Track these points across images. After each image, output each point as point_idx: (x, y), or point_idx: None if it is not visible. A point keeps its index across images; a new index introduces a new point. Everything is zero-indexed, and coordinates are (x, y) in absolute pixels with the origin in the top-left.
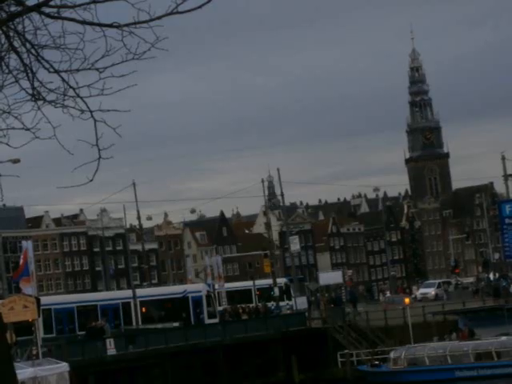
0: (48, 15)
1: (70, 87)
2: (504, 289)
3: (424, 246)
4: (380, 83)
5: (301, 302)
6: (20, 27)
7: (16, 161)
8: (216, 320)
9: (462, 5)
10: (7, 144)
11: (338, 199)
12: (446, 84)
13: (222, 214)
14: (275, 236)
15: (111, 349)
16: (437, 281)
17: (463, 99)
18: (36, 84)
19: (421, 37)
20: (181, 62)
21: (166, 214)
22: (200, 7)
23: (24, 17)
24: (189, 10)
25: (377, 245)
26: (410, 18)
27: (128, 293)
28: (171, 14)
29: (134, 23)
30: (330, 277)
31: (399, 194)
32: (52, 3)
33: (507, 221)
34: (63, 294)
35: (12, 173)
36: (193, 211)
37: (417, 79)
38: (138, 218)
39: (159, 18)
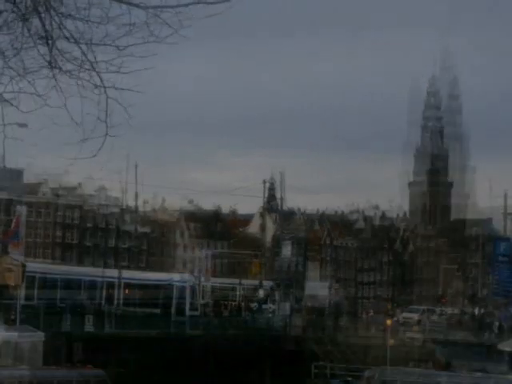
0: None
1: (88, 60)
2: (487, 325)
3: (414, 271)
4: (397, 102)
5: (284, 308)
6: None
7: (23, 125)
8: (197, 313)
9: (483, 37)
10: (16, 107)
11: (336, 212)
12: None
13: (219, 208)
14: (268, 239)
15: (89, 325)
16: (421, 307)
17: (477, 131)
18: (54, 52)
19: (442, 63)
20: (200, 52)
21: (163, 200)
22: (228, 0)
23: None
24: (215, 2)
25: (367, 262)
26: (434, 44)
27: (114, 272)
28: (198, 3)
29: (161, 6)
30: (316, 287)
31: (397, 215)
32: None
33: (500, 258)
34: (49, 264)
35: (18, 136)
36: (190, 201)
37: (432, 104)
38: (136, 199)
39: (186, 5)
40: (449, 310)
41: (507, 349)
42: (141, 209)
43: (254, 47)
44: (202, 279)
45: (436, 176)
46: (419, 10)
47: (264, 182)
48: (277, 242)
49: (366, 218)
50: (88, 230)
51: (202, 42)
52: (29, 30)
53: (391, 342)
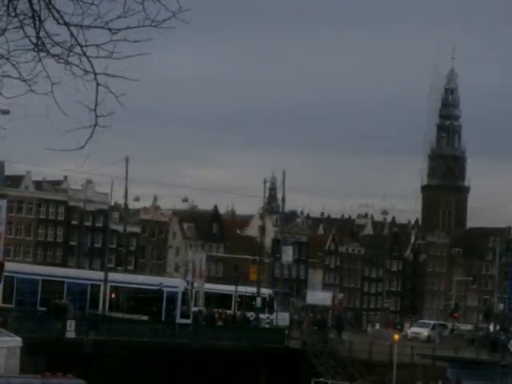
0: None
1: (78, 44)
2: (502, 343)
3: (425, 282)
4: (410, 99)
5: (282, 318)
6: None
7: (6, 112)
8: (188, 321)
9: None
10: None
11: (342, 216)
12: (480, 114)
13: (216, 208)
14: (268, 242)
15: (71, 331)
16: (432, 322)
17: (496, 134)
18: (42, 34)
19: (463, 59)
20: (200, 39)
21: (155, 198)
22: None
23: None
24: None
25: (375, 272)
26: (454, 39)
27: (99, 275)
28: None
29: None
30: (318, 297)
31: (409, 221)
32: None
33: None
34: (30, 264)
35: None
36: (185, 200)
37: (450, 102)
38: (125, 196)
39: None
40: (462, 326)
41: None
42: (131, 206)
43: (253, 42)
44: (195, 284)
45: (452, 179)
46: (419, 5)
47: (264, 181)
48: (277, 246)
49: (374, 224)
50: (73, 227)
51: (201, 32)
52: (15, 9)
53: (398, 358)
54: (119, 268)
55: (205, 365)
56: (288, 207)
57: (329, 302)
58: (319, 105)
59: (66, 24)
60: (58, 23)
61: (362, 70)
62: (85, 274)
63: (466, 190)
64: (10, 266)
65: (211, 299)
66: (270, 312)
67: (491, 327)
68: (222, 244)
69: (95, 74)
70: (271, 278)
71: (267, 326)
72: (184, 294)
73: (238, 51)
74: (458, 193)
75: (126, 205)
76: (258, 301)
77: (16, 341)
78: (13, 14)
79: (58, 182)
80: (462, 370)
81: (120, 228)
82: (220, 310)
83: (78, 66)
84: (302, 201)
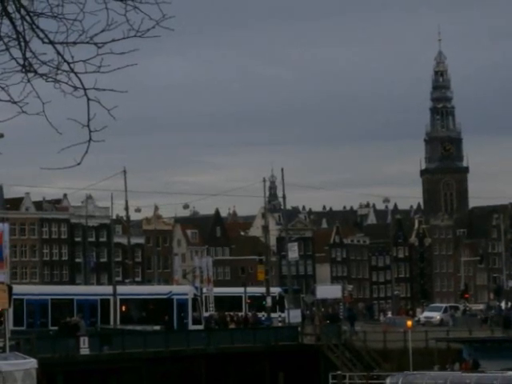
0: None
1: (65, 61)
2: None
3: (433, 266)
4: (401, 86)
5: (294, 315)
6: None
7: None
8: (201, 326)
9: (496, 14)
10: None
11: (344, 207)
12: (472, 93)
13: (217, 212)
14: (273, 241)
15: (84, 348)
16: (443, 305)
17: (490, 111)
18: (28, 54)
19: (450, 41)
20: (187, 44)
21: (156, 207)
22: None
23: None
24: None
25: (382, 260)
26: (439, 21)
27: (108, 289)
28: None
29: None
30: (328, 290)
31: (411, 207)
32: None
33: None
34: (38, 285)
35: None
36: (186, 207)
37: (441, 84)
38: (126, 208)
39: None
40: (473, 306)
41: None
42: (132, 218)
43: (247, 36)
44: (204, 290)
45: (449, 161)
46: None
47: (264, 180)
48: (282, 244)
49: (377, 213)
50: (77, 244)
51: (187, 33)
52: None
53: (413, 344)
54: (127, 280)
55: (222, 369)
56: (289, 204)
57: (339, 295)
58: (318, 98)
59: (52, 42)
60: (44, 42)
61: (357, 65)
62: (93, 289)
63: (465, 170)
64: (17, 288)
65: (221, 303)
66: (282, 310)
67: (503, 305)
68: (227, 247)
69: (85, 90)
70: (279, 277)
71: (280, 324)
72: (194, 300)
73: (230, 52)
74: (458, 174)
75: (127, 217)
76: (269, 300)
77: (31, 362)
78: None
79: (58, 201)
80: (478, 350)
81: (124, 240)
82: (231, 313)
83: (66, 83)
84: (303, 197)
